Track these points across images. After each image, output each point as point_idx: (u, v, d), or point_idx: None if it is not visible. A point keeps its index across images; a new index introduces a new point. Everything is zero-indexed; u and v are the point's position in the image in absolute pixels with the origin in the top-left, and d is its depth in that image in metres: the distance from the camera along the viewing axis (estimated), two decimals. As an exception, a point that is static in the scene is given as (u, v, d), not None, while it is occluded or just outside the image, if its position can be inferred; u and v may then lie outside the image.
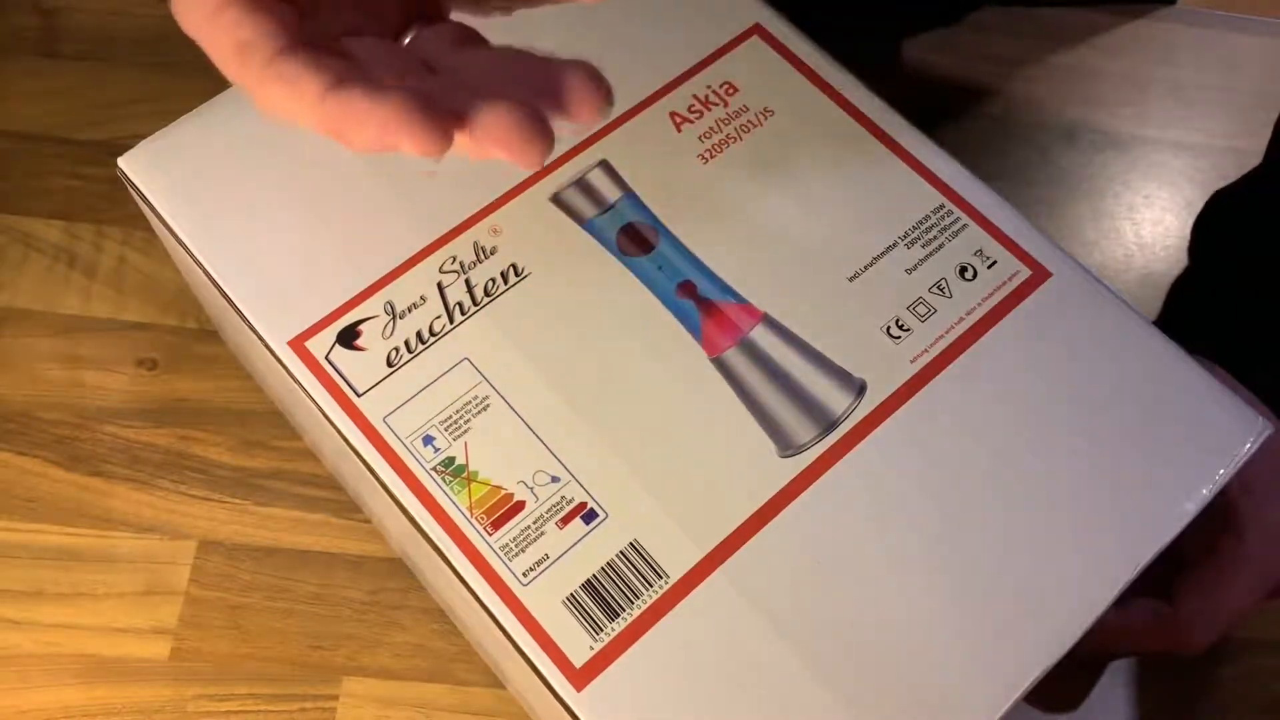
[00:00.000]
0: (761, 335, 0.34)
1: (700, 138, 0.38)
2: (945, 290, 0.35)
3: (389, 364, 0.33)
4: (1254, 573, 0.39)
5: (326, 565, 0.48)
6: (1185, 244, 0.56)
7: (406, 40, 0.30)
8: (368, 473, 0.32)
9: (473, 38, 0.30)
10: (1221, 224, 0.52)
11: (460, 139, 0.25)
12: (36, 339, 0.51)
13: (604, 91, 0.27)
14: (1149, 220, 0.59)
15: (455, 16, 0.31)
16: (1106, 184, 0.60)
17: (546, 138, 0.25)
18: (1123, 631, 0.39)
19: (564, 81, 0.27)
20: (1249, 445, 0.34)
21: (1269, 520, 0.38)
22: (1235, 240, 0.50)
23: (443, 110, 0.24)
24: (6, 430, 0.50)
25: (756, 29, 0.40)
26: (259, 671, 0.46)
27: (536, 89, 0.27)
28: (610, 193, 0.36)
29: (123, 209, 0.54)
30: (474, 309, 0.34)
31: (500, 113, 0.25)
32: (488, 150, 0.25)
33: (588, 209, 0.36)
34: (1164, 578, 0.38)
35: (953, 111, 0.61)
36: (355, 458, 0.32)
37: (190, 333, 0.52)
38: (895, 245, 0.36)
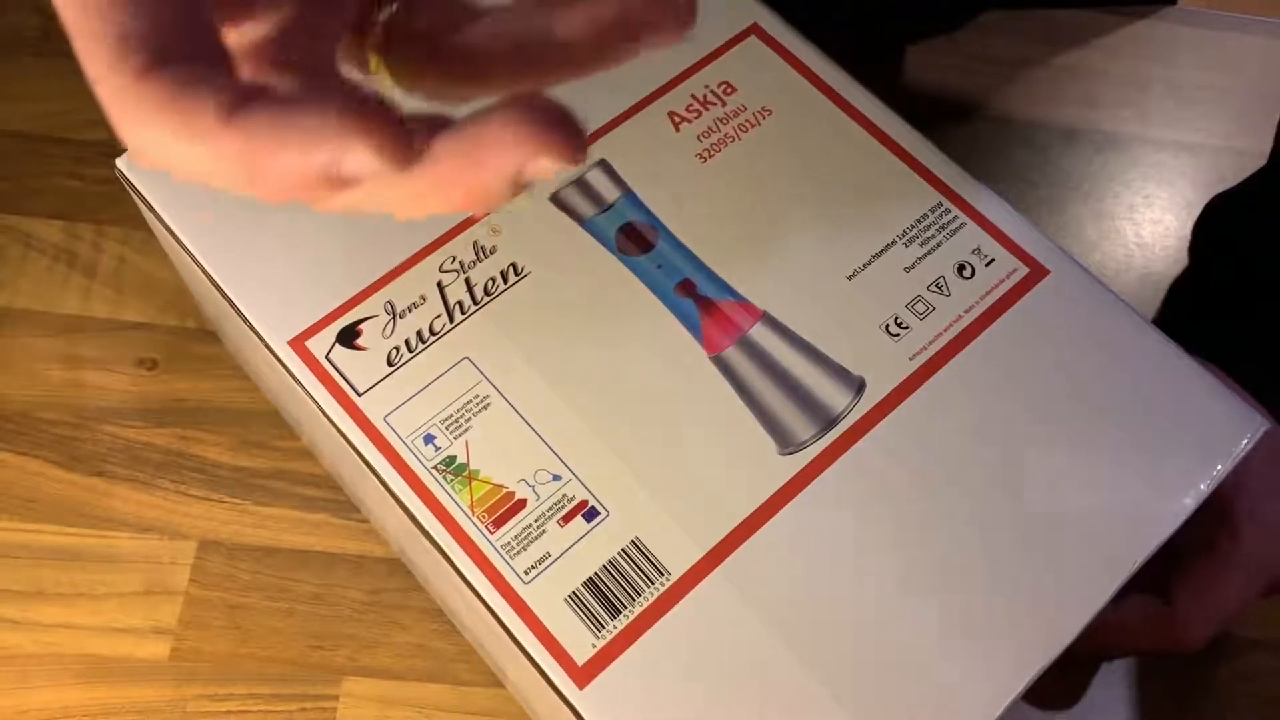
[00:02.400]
0: (761, 333, 0.34)
1: (699, 137, 0.38)
2: (944, 288, 0.35)
3: (389, 363, 0.33)
4: (1249, 569, 0.39)
5: (326, 565, 0.48)
6: (1185, 244, 0.57)
7: (382, 16, 0.23)
8: (369, 472, 0.32)
9: (467, 7, 0.23)
10: (1222, 225, 0.52)
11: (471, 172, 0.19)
12: (36, 339, 0.51)
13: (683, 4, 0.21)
14: (1149, 220, 0.59)
15: None
16: (1106, 184, 0.60)
17: (579, 135, 0.19)
18: (1119, 630, 0.39)
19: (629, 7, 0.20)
20: (1246, 442, 0.34)
21: (1263, 516, 0.38)
22: (1236, 241, 0.50)
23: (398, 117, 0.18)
24: (6, 430, 0.49)
25: (754, 29, 0.40)
26: (259, 671, 0.46)
27: (573, 39, 0.21)
28: (609, 192, 0.36)
29: (123, 209, 0.54)
30: (474, 308, 0.34)
31: (507, 116, 0.18)
32: (510, 161, 0.18)
33: (587, 208, 0.36)
34: (1160, 575, 0.38)
35: (953, 111, 0.61)
36: (356, 457, 0.33)
37: (190, 333, 0.52)
38: (894, 244, 0.36)
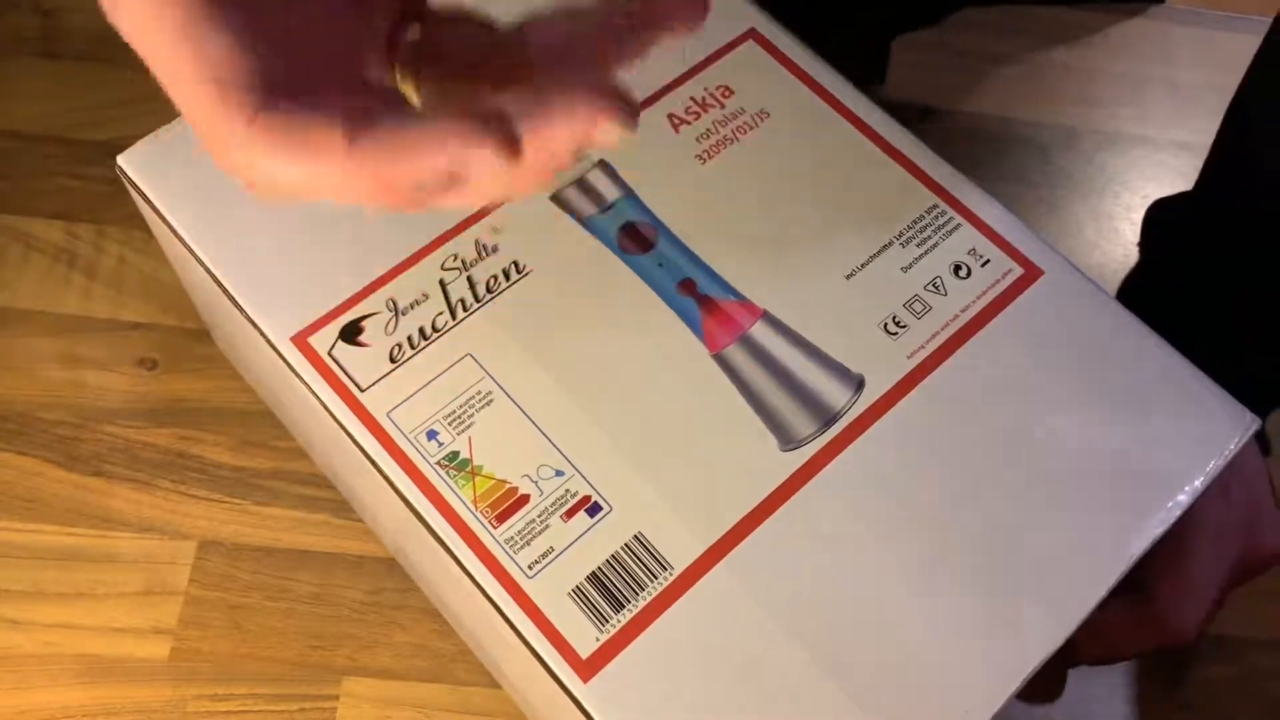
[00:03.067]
0: (761, 332, 0.34)
1: (698, 139, 0.38)
2: (940, 288, 0.36)
3: (392, 360, 0.34)
4: (1214, 542, 0.39)
5: (326, 565, 0.48)
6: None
7: (409, 36, 0.25)
8: (371, 468, 0.32)
9: (488, 24, 0.25)
10: (1162, 227, 0.53)
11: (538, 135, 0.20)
12: (36, 339, 0.51)
13: None
14: (1147, 221, 0.59)
15: None
16: (1106, 184, 0.60)
17: (633, 101, 0.20)
18: (1110, 632, 0.39)
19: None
20: (1239, 438, 0.34)
21: (1222, 492, 0.38)
22: (1175, 242, 0.52)
23: (505, 116, 0.19)
24: (6, 430, 0.49)
25: (751, 34, 0.40)
26: (259, 671, 0.46)
27: (595, 38, 0.22)
28: (609, 192, 0.37)
29: (123, 209, 0.54)
30: (476, 305, 0.34)
31: (572, 80, 0.20)
32: (579, 123, 0.20)
33: (588, 208, 0.36)
34: (1138, 575, 0.38)
35: (953, 112, 0.62)
36: (358, 453, 0.33)
37: (190, 333, 0.52)
38: (891, 244, 0.36)
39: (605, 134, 0.20)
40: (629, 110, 0.20)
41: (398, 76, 0.25)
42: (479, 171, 0.19)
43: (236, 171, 0.20)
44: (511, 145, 0.19)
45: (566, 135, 0.20)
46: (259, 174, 0.20)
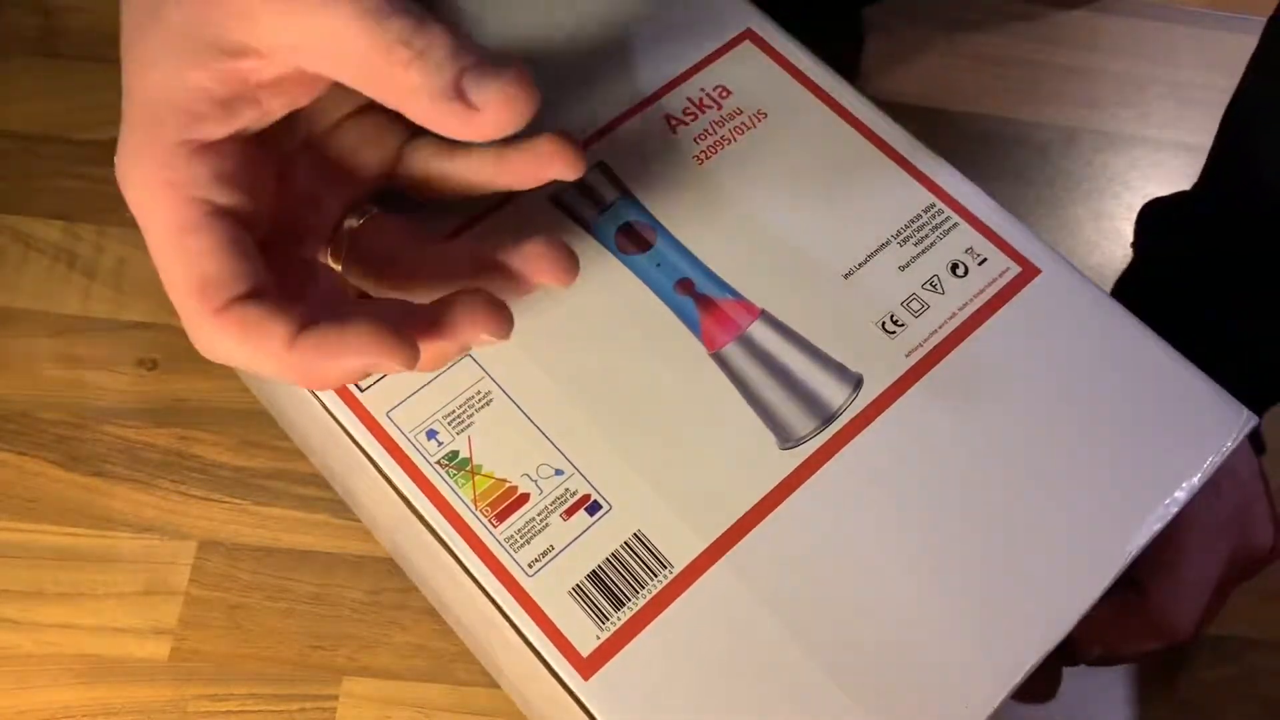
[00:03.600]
0: (759, 331, 0.34)
1: (696, 139, 0.38)
2: (938, 287, 0.36)
3: (391, 360, 0.34)
4: (1206, 540, 0.39)
5: (326, 565, 0.48)
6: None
7: (354, 224, 0.31)
8: (370, 467, 0.33)
9: (419, 231, 0.31)
10: (1156, 227, 0.53)
11: (434, 340, 0.27)
12: (36, 339, 0.51)
13: (566, 253, 0.29)
14: (1147, 221, 0.59)
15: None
16: (1106, 184, 0.60)
17: (509, 317, 0.27)
18: (1107, 629, 0.40)
19: (521, 255, 0.29)
20: (1235, 435, 0.34)
21: (1214, 490, 0.39)
22: (1169, 243, 0.52)
23: (408, 322, 0.26)
24: (6, 430, 0.50)
25: (748, 34, 0.40)
26: (259, 671, 0.46)
27: (493, 269, 0.29)
28: (608, 193, 0.37)
29: (123, 209, 0.54)
30: (475, 305, 0.34)
31: (465, 304, 0.27)
32: (465, 337, 0.27)
33: (586, 209, 0.36)
34: (1131, 576, 0.39)
35: (953, 112, 0.62)
36: (358, 453, 0.33)
37: (190, 333, 0.52)
38: (888, 243, 0.36)
39: (485, 342, 0.28)
40: (505, 327, 0.27)
41: (329, 254, 0.31)
42: (385, 370, 0.25)
43: (198, 344, 0.25)
44: (412, 355, 0.25)
45: (454, 343, 0.27)
46: (216, 350, 0.25)
